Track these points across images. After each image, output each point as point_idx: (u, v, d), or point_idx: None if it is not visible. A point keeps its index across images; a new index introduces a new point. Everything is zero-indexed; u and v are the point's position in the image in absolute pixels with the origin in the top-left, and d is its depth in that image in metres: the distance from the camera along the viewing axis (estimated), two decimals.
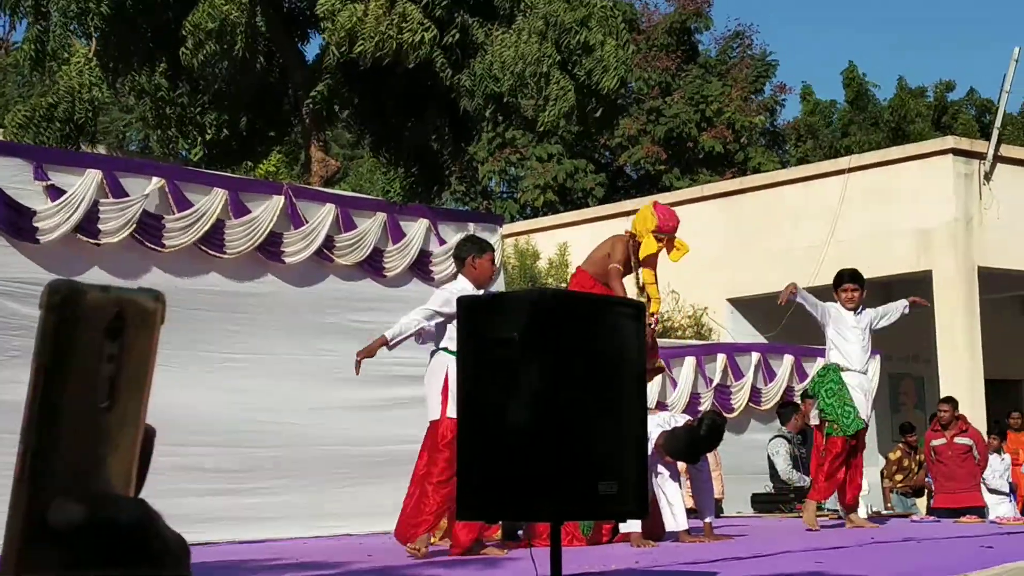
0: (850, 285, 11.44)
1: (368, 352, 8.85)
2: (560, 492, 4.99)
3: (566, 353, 5.04)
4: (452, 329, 8.19)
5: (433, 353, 9.03)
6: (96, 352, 0.72)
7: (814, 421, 11.56)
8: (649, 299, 10.09)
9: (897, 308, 11.75)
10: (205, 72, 14.11)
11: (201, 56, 13.72)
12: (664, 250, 10.26)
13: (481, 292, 8.92)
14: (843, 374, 11.20)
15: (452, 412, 7.63)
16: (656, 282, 10.36)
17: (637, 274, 10.32)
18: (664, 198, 26.03)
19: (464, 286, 8.97)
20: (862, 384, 11.30)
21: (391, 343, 8.85)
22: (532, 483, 4.99)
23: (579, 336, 5.11)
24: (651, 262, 10.28)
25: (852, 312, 11.33)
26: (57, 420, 0.68)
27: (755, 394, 17.51)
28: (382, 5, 13.50)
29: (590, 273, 10.25)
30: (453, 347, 8.25)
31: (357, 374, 8.87)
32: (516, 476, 5.03)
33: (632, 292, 10.43)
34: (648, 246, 10.08)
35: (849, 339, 11.28)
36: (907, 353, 24.20)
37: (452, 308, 8.61)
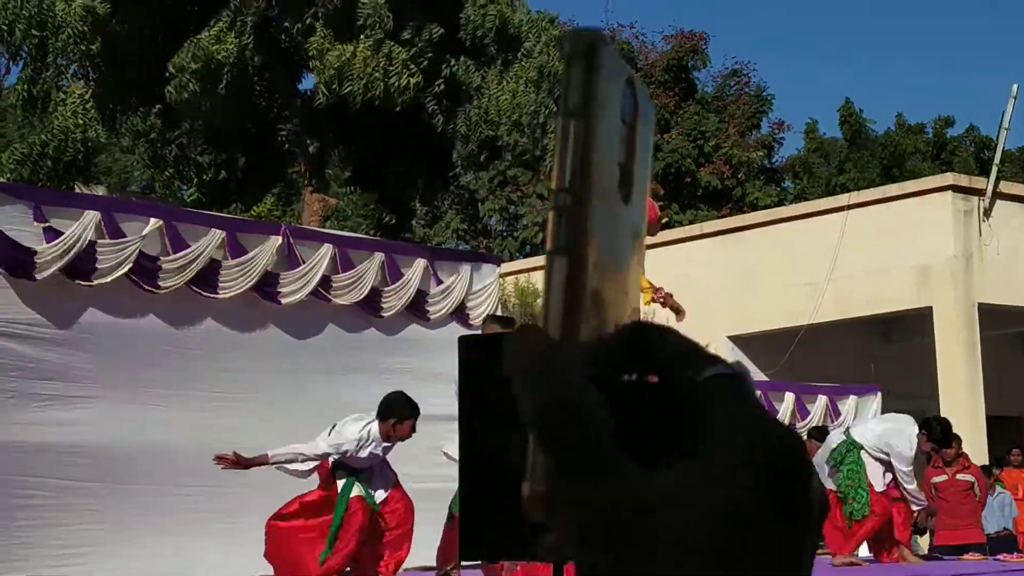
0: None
1: (247, 463, 9.18)
2: None
3: None
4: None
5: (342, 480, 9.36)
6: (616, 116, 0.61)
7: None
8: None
9: None
10: (191, 110, 14.15)
11: (185, 95, 13.76)
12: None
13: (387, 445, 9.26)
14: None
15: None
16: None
17: None
18: (661, 236, 26.02)
19: (374, 435, 9.17)
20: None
21: (271, 462, 9.22)
22: (534, 524, 4.91)
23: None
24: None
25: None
26: (589, 178, 0.59)
27: None
28: (370, 47, 13.54)
29: None
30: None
31: (221, 467, 9.14)
32: (518, 516, 4.95)
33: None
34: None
35: None
36: (907, 389, 24.12)
37: (348, 447, 9.01)
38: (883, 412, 19.44)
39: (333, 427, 9.28)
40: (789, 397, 17.87)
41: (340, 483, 9.34)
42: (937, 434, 11.24)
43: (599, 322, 0.66)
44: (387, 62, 13.54)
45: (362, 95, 13.62)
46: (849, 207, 22.11)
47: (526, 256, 33.81)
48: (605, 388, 0.63)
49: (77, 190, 15.54)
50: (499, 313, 14.09)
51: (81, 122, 15.01)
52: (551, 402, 0.60)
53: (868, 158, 38.67)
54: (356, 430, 9.18)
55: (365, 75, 13.52)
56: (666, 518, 0.59)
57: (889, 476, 11.59)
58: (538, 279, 25.25)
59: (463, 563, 8.38)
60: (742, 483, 0.60)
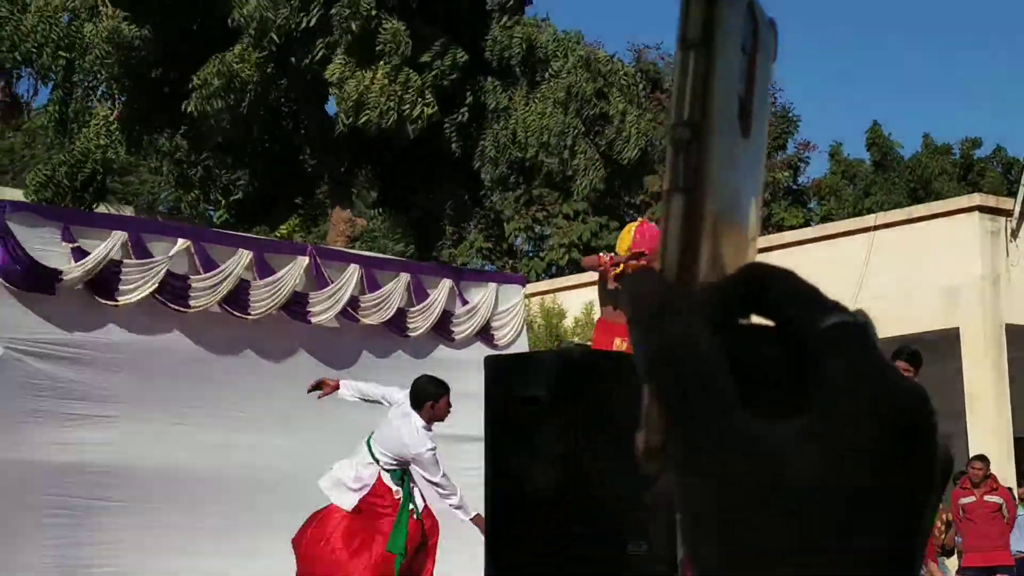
0: (902, 364, 11.20)
1: (327, 387, 9.79)
2: (587, 553, 4.93)
3: (591, 411, 4.99)
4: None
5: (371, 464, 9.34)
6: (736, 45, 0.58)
7: None
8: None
9: None
10: (215, 128, 14.22)
11: (205, 107, 13.83)
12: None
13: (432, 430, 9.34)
14: None
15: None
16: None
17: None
18: None
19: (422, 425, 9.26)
20: None
21: (343, 390, 9.70)
22: (560, 543, 4.93)
23: (604, 394, 5.05)
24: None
25: None
26: (710, 112, 0.57)
27: None
28: (388, 73, 13.57)
29: (604, 317, 10.15)
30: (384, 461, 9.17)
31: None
32: (544, 536, 4.97)
33: None
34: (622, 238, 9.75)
35: None
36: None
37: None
38: None
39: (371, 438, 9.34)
40: None
41: (397, 489, 9.27)
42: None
43: (718, 263, 0.65)
44: (403, 90, 13.58)
45: (377, 125, 13.66)
46: (876, 228, 22.06)
47: (552, 277, 33.87)
48: (722, 333, 0.62)
49: (104, 211, 15.62)
50: (525, 334, 14.11)
51: (103, 143, 15.06)
52: (668, 347, 0.59)
53: (895, 180, 38.59)
54: (418, 428, 9.25)
55: (380, 104, 13.56)
56: (787, 465, 0.59)
57: None
58: (564, 300, 25.25)
59: None
60: (867, 432, 0.59)
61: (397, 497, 9.24)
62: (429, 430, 9.25)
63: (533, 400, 5.01)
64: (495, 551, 5.19)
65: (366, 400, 9.63)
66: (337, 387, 9.74)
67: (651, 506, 5.23)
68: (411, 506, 9.28)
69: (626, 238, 9.81)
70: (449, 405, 9.41)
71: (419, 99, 13.58)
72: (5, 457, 10.04)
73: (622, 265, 9.58)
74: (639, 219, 10.64)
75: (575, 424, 4.95)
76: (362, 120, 13.63)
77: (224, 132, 14.58)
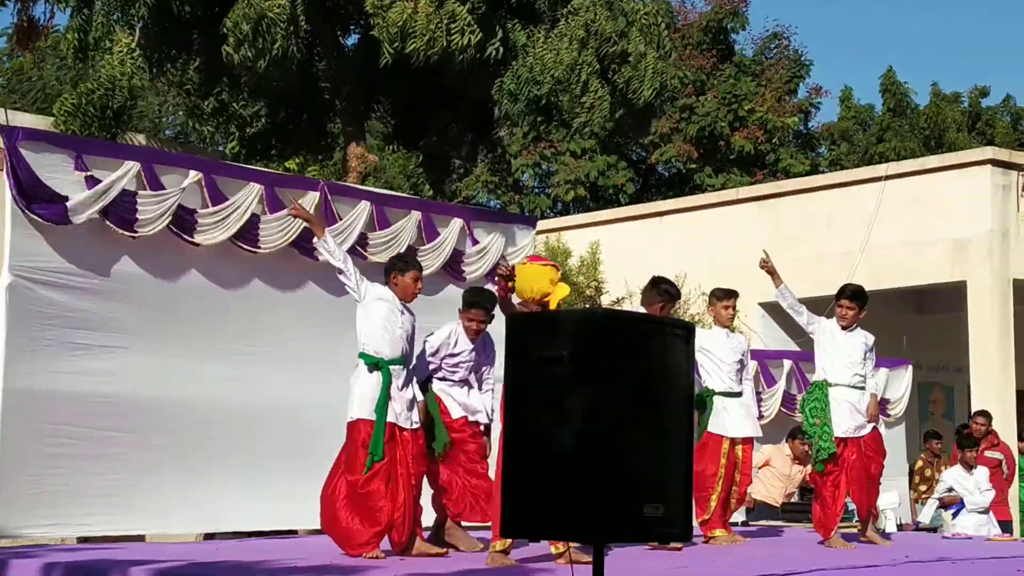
0: (846, 302, 11.27)
1: (307, 217, 10.02)
2: (604, 513, 4.91)
3: (614, 372, 4.96)
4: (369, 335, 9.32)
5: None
6: None
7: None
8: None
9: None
10: (244, 70, 14.10)
11: (240, 54, 13.71)
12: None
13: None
14: (831, 390, 11.07)
15: (355, 414, 9.15)
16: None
17: None
18: (697, 200, 25.92)
19: (384, 293, 9.56)
20: (849, 398, 11.11)
21: (323, 238, 9.69)
22: (576, 503, 4.91)
23: (628, 355, 5.02)
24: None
25: (844, 330, 11.18)
26: None
27: (788, 401, 17.37)
28: (431, 3, 13.47)
29: None
30: (367, 350, 9.26)
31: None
32: (560, 495, 4.95)
33: None
34: (560, 292, 8.84)
35: (838, 354, 11.15)
36: (937, 362, 24.04)
37: (361, 288, 9.49)
38: (914, 385, 19.40)
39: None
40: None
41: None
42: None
43: None
44: (449, 20, 13.46)
45: (425, 52, 13.54)
46: (887, 178, 21.98)
47: (557, 214, 33.79)
48: None
49: (127, 139, 15.53)
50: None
51: (128, 71, 14.94)
52: None
53: (908, 128, 38.42)
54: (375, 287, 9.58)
55: (428, 32, 13.43)
56: None
57: None
58: (568, 239, 25.20)
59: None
60: None
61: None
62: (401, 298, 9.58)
63: (555, 360, 4.98)
64: (511, 509, 5.17)
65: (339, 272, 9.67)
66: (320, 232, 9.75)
67: (669, 467, 5.22)
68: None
69: (540, 276, 8.91)
70: (416, 283, 9.66)
71: (467, 29, 13.48)
72: (11, 385, 10.03)
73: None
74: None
75: (596, 385, 4.92)
76: (409, 48, 13.53)
77: (254, 74, 14.48)
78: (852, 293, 11.37)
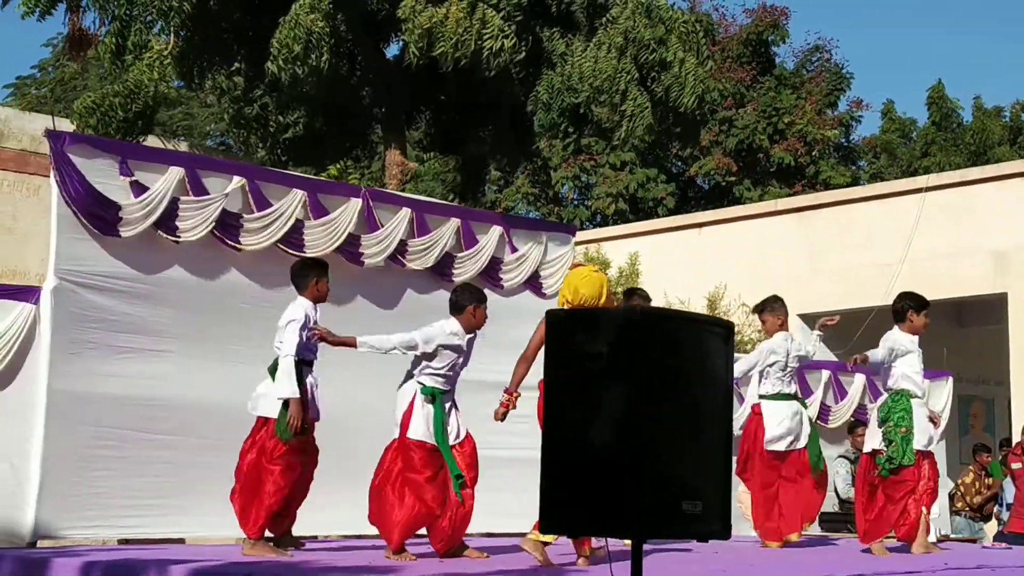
0: (925, 313, 11.13)
1: (335, 340, 9.44)
2: (643, 510, 4.94)
3: (653, 370, 4.99)
4: (427, 365, 9.23)
5: (406, 378, 9.43)
6: None
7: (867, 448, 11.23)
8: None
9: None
10: (287, 82, 14.21)
11: (289, 72, 13.83)
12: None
13: (469, 336, 9.47)
14: (913, 401, 10.93)
15: (412, 434, 9.09)
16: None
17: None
18: (735, 211, 25.92)
19: (455, 328, 9.39)
20: (924, 410, 11.05)
21: (358, 347, 9.36)
22: (615, 499, 4.94)
23: (667, 353, 5.06)
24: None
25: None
26: None
27: (824, 412, 17.31)
28: (463, 9, 13.54)
29: None
30: (427, 382, 9.21)
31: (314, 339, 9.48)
32: (599, 492, 4.99)
33: None
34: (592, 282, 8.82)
35: (917, 366, 11.04)
36: (978, 375, 23.93)
37: (432, 347, 9.19)
38: (954, 398, 19.30)
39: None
40: (859, 379, 17.74)
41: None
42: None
43: None
44: (480, 25, 13.51)
45: (452, 55, 13.60)
46: (927, 189, 21.93)
47: (596, 226, 33.80)
48: None
49: (153, 144, 15.67)
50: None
51: (156, 76, 15.04)
52: None
53: (954, 142, 38.22)
54: (437, 326, 9.39)
55: (456, 36, 13.50)
56: None
57: None
58: (608, 250, 25.23)
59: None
60: None
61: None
62: (468, 334, 9.47)
63: (595, 356, 5.02)
64: (549, 506, 5.21)
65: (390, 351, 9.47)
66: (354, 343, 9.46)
67: (707, 465, 5.25)
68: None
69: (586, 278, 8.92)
70: (486, 315, 9.60)
71: (499, 33, 13.52)
72: (56, 387, 10.15)
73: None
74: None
75: (635, 381, 4.95)
76: (437, 51, 13.60)
77: (296, 84, 14.58)
78: (925, 303, 11.22)
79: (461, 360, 9.46)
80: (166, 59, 15.47)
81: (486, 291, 12.76)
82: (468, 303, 9.49)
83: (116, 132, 15.09)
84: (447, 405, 9.29)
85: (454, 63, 13.72)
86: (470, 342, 9.52)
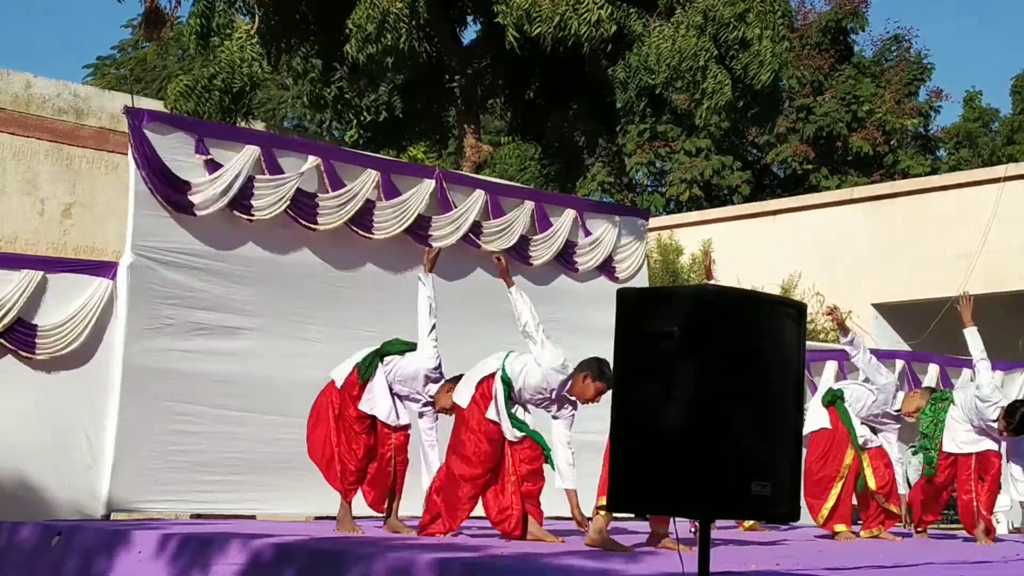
0: None
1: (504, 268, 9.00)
2: (712, 490, 4.92)
3: (724, 350, 4.95)
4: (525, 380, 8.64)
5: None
6: None
7: None
8: None
9: None
10: (370, 66, 14.25)
11: (366, 53, 13.87)
12: None
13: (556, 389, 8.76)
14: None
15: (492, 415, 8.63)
16: None
17: None
18: (810, 199, 25.74)
19: (559, 378, 8.70)
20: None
21: (511, 290, 8.82)
22: (684, 479, 4.92)
23: (739, 333, 5.02)
24: None
25: None
26: None
27: None
28: None
29: None
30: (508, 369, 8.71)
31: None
32: (668, 472, 4.97)
33: None
34: None
35: None
36: None
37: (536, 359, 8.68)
38: None
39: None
40: (933, 368, 17.55)
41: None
42: (1015, 423, 10.87)
43: None
44: (576, 2, 13.48)
45: (553, 34, 13.58)
46: (1005, 179, 21.66)
47: (670, 212, 33.68)
48: None
49: (240, 124, 15.78)
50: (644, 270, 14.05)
51: (248, 56, 15.15)
52: None
53: None
54: (559, 357, 8.73)
55: (556, 14, 13.47)
56: None
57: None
58: (681, 236, 25.14)
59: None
60: None
61: None
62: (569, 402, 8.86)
63: (666, 336, 5.00)
64: (619, 486, 5.20)
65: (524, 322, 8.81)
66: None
67: (777, 446, 5.22)
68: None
69: None
70: (597, 396, 8.60)
71: (595, 7, 13.48)
72: (131, 361, 10.26)
73: None
74: None
75: (706, 361, 4.92)
76: (535, 32, 13.59)
77: (374, 66, 14.61)
78: None
79: (540, 399, 8.90)
80: (254, 39, 15.55)
81: (562, 276, 12.83)
82: (584, 372, 8.61)
83: (215, 115, 15.19)
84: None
85: (554, 43, 13.72)
86: (556, 394, 8.80)
